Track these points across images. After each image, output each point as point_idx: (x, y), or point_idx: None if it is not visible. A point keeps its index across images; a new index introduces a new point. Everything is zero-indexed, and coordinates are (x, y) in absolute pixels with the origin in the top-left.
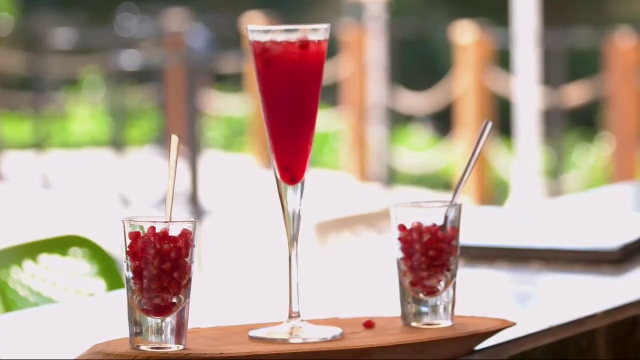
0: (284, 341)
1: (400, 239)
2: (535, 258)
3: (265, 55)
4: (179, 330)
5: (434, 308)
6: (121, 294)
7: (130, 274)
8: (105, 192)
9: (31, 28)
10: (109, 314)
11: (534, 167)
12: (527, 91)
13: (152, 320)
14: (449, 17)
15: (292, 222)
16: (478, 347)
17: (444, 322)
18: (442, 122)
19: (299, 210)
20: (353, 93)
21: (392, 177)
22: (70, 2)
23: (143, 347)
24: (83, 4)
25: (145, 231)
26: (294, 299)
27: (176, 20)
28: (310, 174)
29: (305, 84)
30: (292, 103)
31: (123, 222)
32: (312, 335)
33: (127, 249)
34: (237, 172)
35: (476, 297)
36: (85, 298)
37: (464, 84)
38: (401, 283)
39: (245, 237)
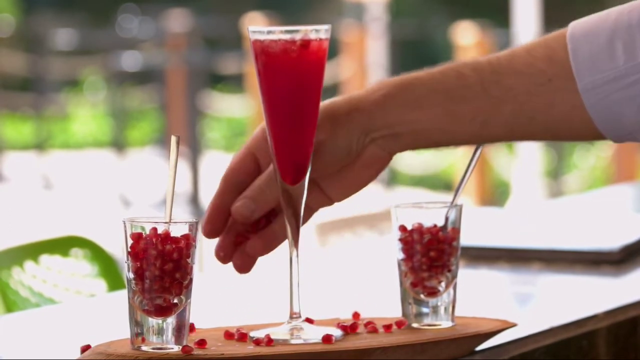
0: (285, 342)
1: (401, 239)
2: (535, 259)
3: (266, 56)
4: (180, 331)
5: (435, 309)
6: (122, 295)
7: (131, 275)
8: (106, 192)
9: (32, 29)
10: (110, 314)
11: (534, 168)
12: None
13: (153, 321)
14: (450, 18)
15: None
16: (479, 348)
17: (445, 323)
18: None
19: (300, 211)
20: None
21: (392, 178)
22: (71, 3)
23: (144, 348)
24: (84, 5)
25: (147, 232)
26: (294, 299)
27: (177, 21)
28: None
29: (306, 84)
30: (293, 103)
31: (124, 223)
32: (313, 336)
33: (129, 249)
34: None
35: (477, 297)
36: (86, 299)
37: None
38: (402, 284)
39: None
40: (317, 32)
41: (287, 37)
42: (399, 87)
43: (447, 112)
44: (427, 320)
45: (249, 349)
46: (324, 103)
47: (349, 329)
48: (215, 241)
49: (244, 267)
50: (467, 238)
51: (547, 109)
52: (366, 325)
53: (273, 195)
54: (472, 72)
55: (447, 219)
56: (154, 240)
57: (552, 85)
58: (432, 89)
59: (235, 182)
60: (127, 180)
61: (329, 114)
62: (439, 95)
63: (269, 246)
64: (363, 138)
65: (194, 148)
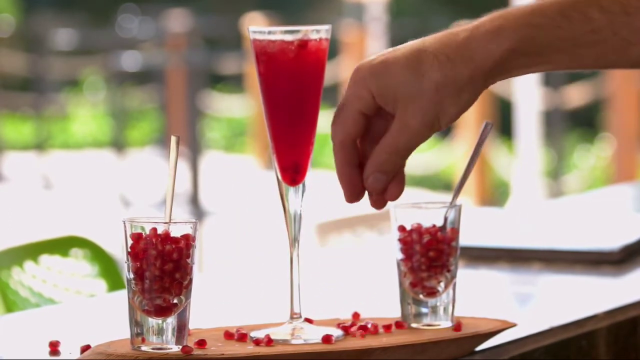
0: (285, 342)
1: (400, 240)
2: (535, 259)
3: (266, 56)
4: (180, 331)
5: (434, 309)
6: (122, 295)
7: (131, 275)
8: (106, 193)
9: (32, 29)
10: (110, 314)
11: (534, 168)
12: (527, 92)
13: (153, 321)
14: (450, 18)
15: (294, 223)
16: (479, 348)
17: (444, 323)
18: None
19: (300, 211)
20: None
21: None
22: (71, 3)
23: (144, 348)
24: (84, 5)
25: (147, 232)
26: (295, 299)
27: (177, 21)
28: (312, 175)
29: (305, 84)
30: (293, 103)
31: (124, 223)
32: (314, 336)
33: (129, 249)
34: (237, 173)
35: (477, 298)
36: (86, 299)
37: None
38: (401, 284)
39: (246, 238)
40: (318, 32)
41: (287, 37)
42: (522, 40)
43: (571, 57)
44: (426, 321)
45: (249, 349)
46: (438, 70)
47: (349, 329)
48: None
49: (380, 205)
50: (467, 238)
51: None
52: (366, 325)
53: (399, 159)
54: (600, 14)
55: (446, 219)
56: (153, 240)
57: None
58: (557, 37)
59: (355, 147)
60: (127, 180)
61: (452, 83)
62: (565, 42)
63: (403, 187)
64: (482, 87)
65: (194, 148)
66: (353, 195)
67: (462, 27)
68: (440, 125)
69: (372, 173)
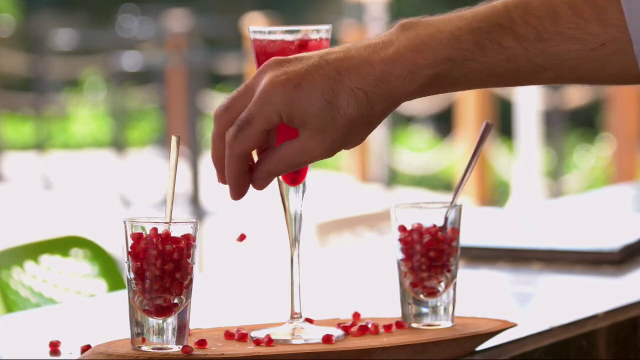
0: (285, 342)
1: (400, 240)
2: (536, 259)
3: (266, 56)
4: (181, 331)
5: (434, 309)
6: (122, 295)
7: (131, 275)
8: (106, 193)
9: (32, 29)
10: (110, 314)
11: (534, 168)
12: (527, 92)
13: (153, 321)
14: None
15: (294, 223)
16: (479, 348)
17: (445, 323)
18: (443, 122)
19: (301, 211)
20: None
21: (392, 178)
22: (71, 3)
23: (144, 348)
24: (84, 5)
25: (147, 232)
26: (295, 299)
27: (177, 21)
28: (312, 175)
29: None
30: None
31: (125, 223)
32: (314, 336)
33: (129, 249)
34: None
35: (477, 298)
36: (86, 299)
37: None
38: (401, 284)
39: (247, 238)
40: (318, 32)
41: (287, 37)
42: (437, 75)
43: (485, 83)
44: (426, 321)
45: (249, 349)
46: (350, 108)
47: (349, 329)
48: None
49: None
50: (467, 238)
51: (597, 72)
52: (366, 325)
53: (291, 170)
54: (515, 43)
55: (446, 219)
56: (154, 240)
57: (605, 49)
58: (471, 69)
59: (249, 157)
60: (127, 180)
61: (366, 119)
62: (479, 72)
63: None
64: (392, 111)
65: (194, 148)
66: (240, 195)
67: (378, 52)
68: (345, 149)
69: (262, 177)
